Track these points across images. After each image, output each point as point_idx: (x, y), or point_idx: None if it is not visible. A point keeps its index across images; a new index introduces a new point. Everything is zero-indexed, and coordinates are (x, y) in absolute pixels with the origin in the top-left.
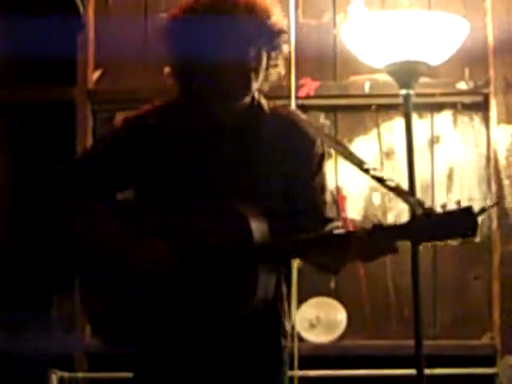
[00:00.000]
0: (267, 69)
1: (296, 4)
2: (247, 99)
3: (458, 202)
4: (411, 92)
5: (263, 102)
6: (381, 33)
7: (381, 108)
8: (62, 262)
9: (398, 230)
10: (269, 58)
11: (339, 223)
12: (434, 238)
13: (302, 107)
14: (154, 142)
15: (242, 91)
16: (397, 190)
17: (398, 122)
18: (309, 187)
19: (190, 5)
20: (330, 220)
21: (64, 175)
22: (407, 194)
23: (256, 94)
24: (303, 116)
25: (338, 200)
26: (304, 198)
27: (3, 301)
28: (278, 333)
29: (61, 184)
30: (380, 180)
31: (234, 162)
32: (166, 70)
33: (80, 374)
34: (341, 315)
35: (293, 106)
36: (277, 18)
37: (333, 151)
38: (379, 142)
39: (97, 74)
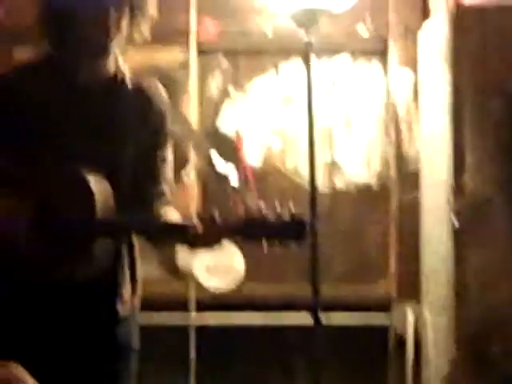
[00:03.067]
0: (130, 32)
1: None
2: (111, 64)
3: (291, 209)
4: (312, 38)
5: (127, 73)
6: None
7: (281, 52)
8: None
9: (232, 227)
10: (132, 20)
11: (168, 199)
12: (264, 239)
13: (201, 49)
14: (15, 103)
15: (101, 53)
16: (237, 188)
17: (298, 65)
18: (153, 157)
19: None
20: (163, 194)
21: None
22: (250, 196)
23: (122, 64)
24: (162, 91)
25: (237, 143)
26: (147, 166)
27: None
28: (114, 301)
29: None
30: (221, 176)
31: (90, 126)
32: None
33: None
34: (238, 261)
35: (192, 47)
36: None
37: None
38: (279, 87)
39: None
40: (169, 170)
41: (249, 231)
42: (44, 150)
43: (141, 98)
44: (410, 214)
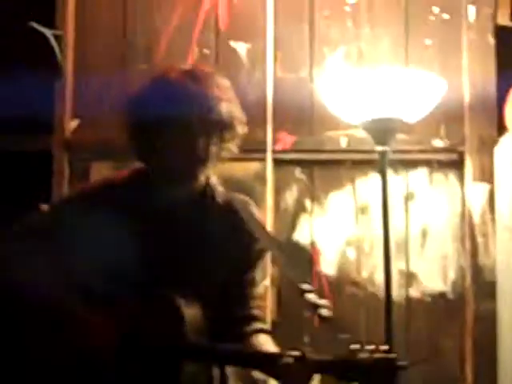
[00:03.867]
0: (219, 152)
1: (274, 58)
2: (199, 184)
3: (386, 350)
4: (387, 148)
5: (218, 190)
6: (357, 89)
7: (356, 164)
8: None
9: (322, 365)
10: (221, 142)
11: (262, 324)
12: (355, 381)
13: (277, 161)
14: (100, 222)
15: (188, 179)
16: (328, 321)
17: (374, 177)
18: (243, 281)
19: (150, 88)
20: (254, 317)
21: (14, 238)
22: (339, 329)
23: (212, 180)
24: (254, 210)
25: (313, 254)
26: (236, 290)
27: None
28: None
29: (8, 247)
30: (314, 306)
31: (178, 249)
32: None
33: None
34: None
35: (268, 159)
36: (229, 105)
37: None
38: (354, 198)
39: (74, 124)
40: (258, 291)
41: (341, 372)
42: (131, 269)
43: (231, 218)
44: (487, 325)
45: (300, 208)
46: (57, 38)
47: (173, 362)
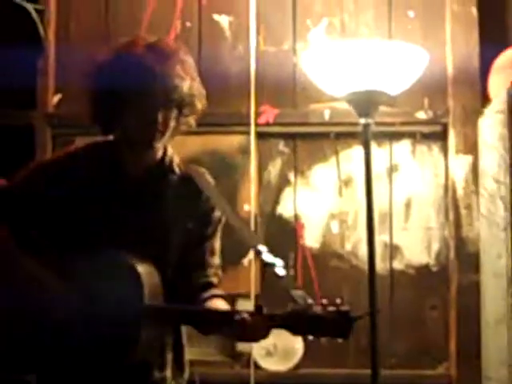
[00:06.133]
0: (177, 126)
1: (257, 31)
2: (158, 153)
3: (339, 304)
4: (370, 121)
5: (175, 161)
6: (340, 62)
7: (340, 136)
8: None
9: (276, 319)
10: (179, 117)
11: (219, 291)
12: (309, 334)
13: (261, 134)
14: (61, 191)
15: (145, 147)
16: (284, 280)
17: (357, 150)
18: (201, 248)
19: (115, 61)
20: (212, 285)
21: None
22: (294, 287)
23: (169, 151)
24: (210, 180)
25: (297, 227)
26: (194, 257)
27: None
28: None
29: None
30: (269, 265)
31: (137, 215)
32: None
33: None
34: (298, 343)
35: (252, 132)
36: (191, 84)
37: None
38: (338, 170)
39: (57, 99)
40: (217, 260)
41: (295, 325)
42: (91, 237)
43: (188, 187)
44: (470, 296)
45: (284, 181)
46: (39, 12)
47: (130, 326)
